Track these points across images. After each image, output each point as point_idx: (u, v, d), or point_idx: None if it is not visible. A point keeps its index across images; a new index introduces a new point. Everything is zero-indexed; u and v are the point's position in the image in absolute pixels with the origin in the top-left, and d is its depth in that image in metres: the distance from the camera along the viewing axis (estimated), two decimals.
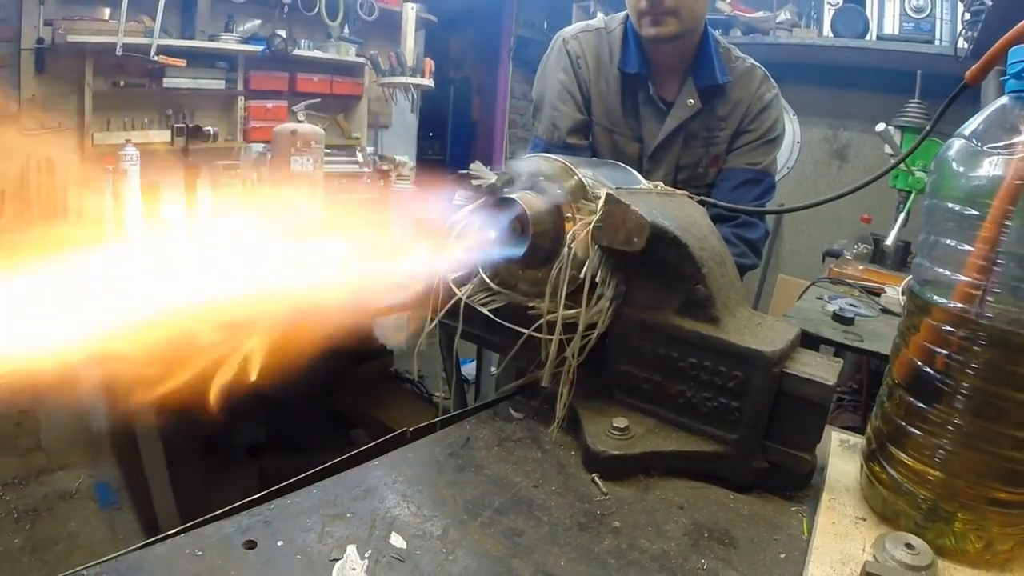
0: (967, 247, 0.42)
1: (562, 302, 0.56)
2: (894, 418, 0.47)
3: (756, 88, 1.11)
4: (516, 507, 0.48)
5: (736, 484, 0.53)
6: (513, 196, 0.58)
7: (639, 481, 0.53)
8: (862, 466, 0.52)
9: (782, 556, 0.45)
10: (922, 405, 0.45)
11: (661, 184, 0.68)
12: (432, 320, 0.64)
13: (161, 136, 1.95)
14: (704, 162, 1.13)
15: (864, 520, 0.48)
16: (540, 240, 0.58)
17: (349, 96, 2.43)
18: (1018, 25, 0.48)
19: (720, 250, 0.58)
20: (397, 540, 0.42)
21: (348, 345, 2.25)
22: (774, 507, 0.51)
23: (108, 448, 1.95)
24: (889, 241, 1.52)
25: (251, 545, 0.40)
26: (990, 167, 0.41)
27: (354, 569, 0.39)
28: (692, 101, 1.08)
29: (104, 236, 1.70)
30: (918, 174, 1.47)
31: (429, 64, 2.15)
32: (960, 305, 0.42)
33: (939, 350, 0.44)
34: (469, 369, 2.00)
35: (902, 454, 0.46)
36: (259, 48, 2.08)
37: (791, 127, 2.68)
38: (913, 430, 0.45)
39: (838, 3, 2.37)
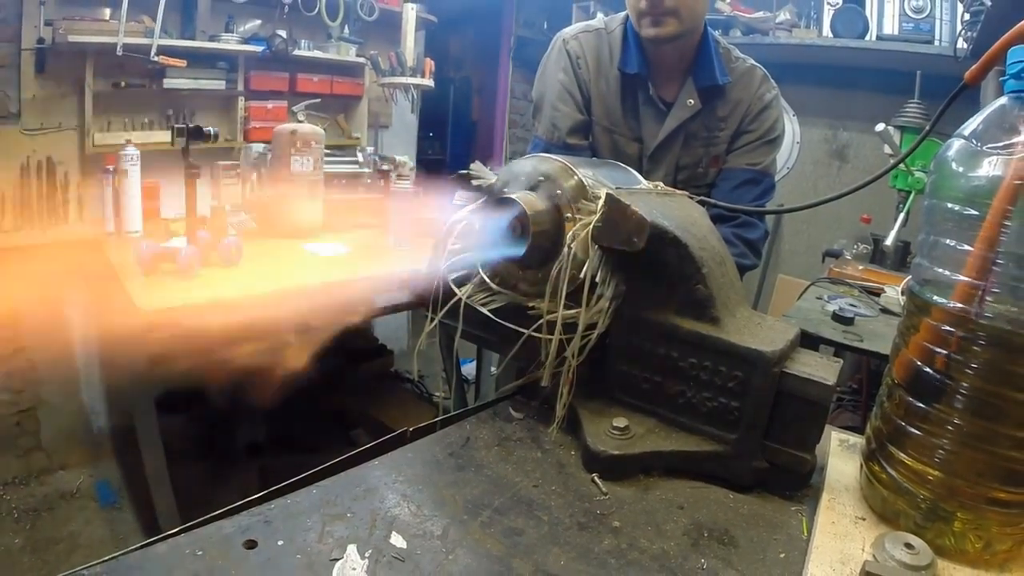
0: (967, 247, 0.42)
1: (562, 302, 0.56)
2: (894, 418, 0.47)
3: (756, 88, 1.11)
4: (516, 507, 0.48)
5: (736, 484, 0.53)
6: (513, 196, 0.58)
7: (639, 481, 0.53)
8: (862, 466, 0.52)
9: (782, 556, 0.45)
10: (922, 405, 0.45)
11: (661, 184, 0.68)
12: (432, 320, 0.64)
13: (161, 136, 1.95)
14: (704, 162, 1.13)
15: (864, 520, 0.48)
16: (540, 240, 0.58)
17: (349, 96, 2.43)
18: (1017, 25, 0.48)
19: (720, 250, 0.58)
20: (397, 540, 0.42)
21: (348, 345, 2.25)
22: (774, 507, 0.51)
23: (108, 448, 1.95)
24: (889, 241, 1.52)
25: (251, 545, 0.40)
26: (989, 167, 0.42)
27: (354, 569, 0.39)
28: (692, 101, 1.08)
29: (104, 236, 1.70)
30: (918, 174, 1.47)
31: (429, 64, 2.15)
32: (960, 305, 0.42)
33: (939, 350, 0.44)
34: (469, 369, 2.00)
35: (902, 454, 0.46)
36: (259, 48, 2.08)
37: (791, 127, 2.68)
38: (913, 430, 0.45)
39: (837, 3, 2.37)
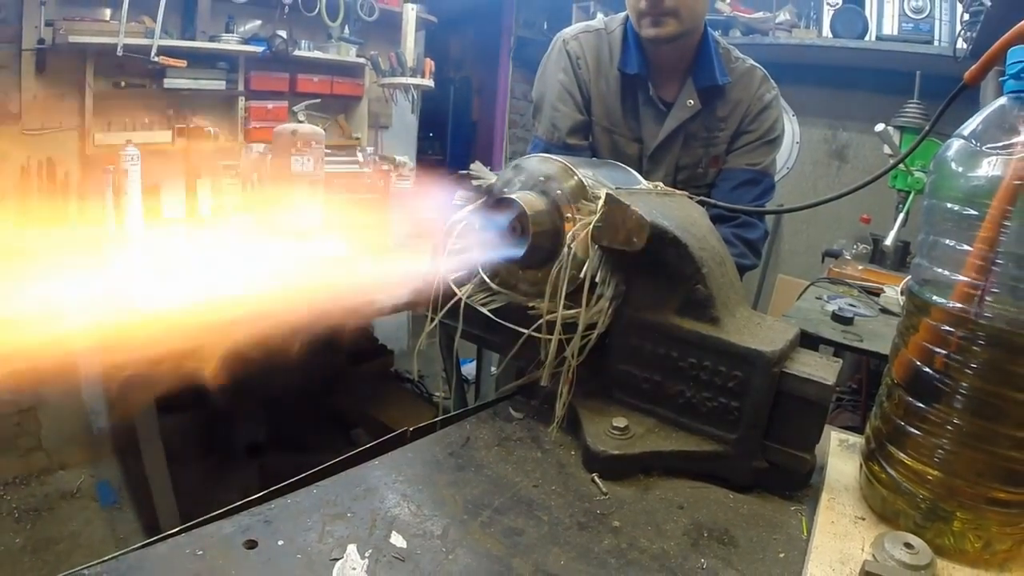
0: (966, 247, 0.42)
1: (562, 302, 0.56)
2: (893, 418, 0.47)
3: (756, 89, 1.11)
4: (516, 507, 0.48)
5: (736, 484, 0.53)
6: (513, 196, 0.58)
7: (639, 481, 0.53)
8: (861, 466, 0.52)
9: (781, 555, 0.45)
10: (921, 405, 0.45)
11: (661, 184, 0.68)
12: (432, 320, 0.64)
13: (162, 136, 1.95)
14: (704, 162, 1.13)
15: (863, 519, 0.48)
16: (540, 240, 0.58)
17: (349, 96, 2.43)
18: (1017, 26, 0.48)
19: (720, 250, 0.58)
20: (397, 539, 0.42)
21: (348, 345, 2.25)
22: (773, 507, 0.51)
23: (109, 448, 1.95)
24: (888, 241, 1.52)
25: (252, 545, 0.40)
26: (989, 167, 0.42)
27: (354, 568, 0.39)
28: (692, 102, 1.08)
29: (105, 236, 1.70)
30: (917, 174, 1.47)
31: (429, 64, 2.15)
32: (959, 305, 0.42)
33: (938, 350, 0.44)
34: (469, 369, 2.00)
35: (901, 454, 0.46)
36: (260, 49, 2.08)
37: (790, 127, 2.68)
38: (912, 430, 0.45)
39: (837, 4, 2.37)
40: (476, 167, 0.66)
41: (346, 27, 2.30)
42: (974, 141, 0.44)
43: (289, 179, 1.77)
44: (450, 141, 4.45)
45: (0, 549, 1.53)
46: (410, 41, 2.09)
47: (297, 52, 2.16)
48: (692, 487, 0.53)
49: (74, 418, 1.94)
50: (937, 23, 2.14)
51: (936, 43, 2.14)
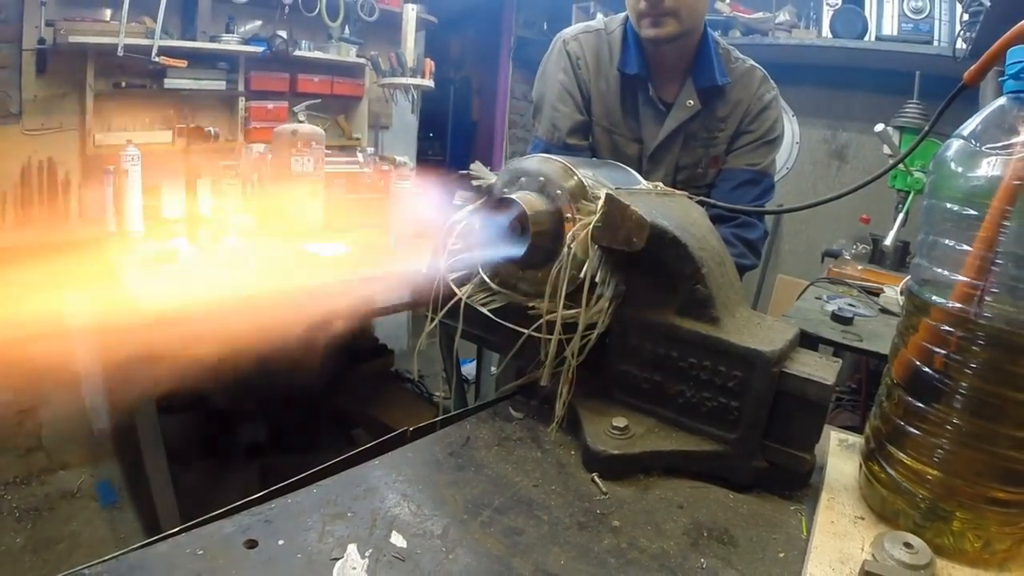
0: (965, 247, 0.42)
1: (562, 302, 0.56)
2: (893, 418, 0.47)
3: (755, 89, 1.11)
4: (516, 506, 0.48)
5: (735, 483, 0.53)
6: (513, 196, 0.58)
7: (639, 480, 0.53)
8: (861, 465, 0.52)
9: (781, 555, 0.45)
10: (921, 405, 0.45)
11: (661, 184, 0.68)
12: (432, 320, 0.64)
13: (162, 136, 1.95)
14: (703, 163, 1.13)
15: (863, 519, 0.48)
16: (540, 240, 0.58)
17: (350, 97, 2.43)
18: (1016, 26, 0.48)
19: (719, 250, 0.58)
20: (397, 539, 0.42)
21: (348, 345, 2.25)
22: (773, 506, 0.51)
23: (109, 447, 1.95)
24: (888, 241, 1.52)
25: (252, 544, 0.40)
26: (988, 167, 0.42)
27: (355, 568, 0.39)
28: (691, 102, 1.08)
29: (105, 236, 1.70)
30: (917, 174, 1.47)
31: (429, 65, 2.15)
32: (958, 305, 0.42)
33: (938, 350, 0.44)
34: (469, 369, 2.00)
35: (901, 453, 0.46)
36: (260, 49, 2.08)
37: (790, 128, 2.68)
38: (912, 430, 0.46)
39: (837, 4, 2.37)
40: (476, 167, 0.66)
41: (346, 27, 2.30)
42: (974, 141, 0.44)
43: (289, 179, 1.77)
44: (450, 141, 4.45)
45: (1, 549, 1.54)
46: (410, 41, 2.09)
47: (297, 52, 2.16)
48: (692, 487, 0.53)
49: (75, 418, 1.94)
50: (937, 23, 2.14)
51: (936, 43, 2.15)
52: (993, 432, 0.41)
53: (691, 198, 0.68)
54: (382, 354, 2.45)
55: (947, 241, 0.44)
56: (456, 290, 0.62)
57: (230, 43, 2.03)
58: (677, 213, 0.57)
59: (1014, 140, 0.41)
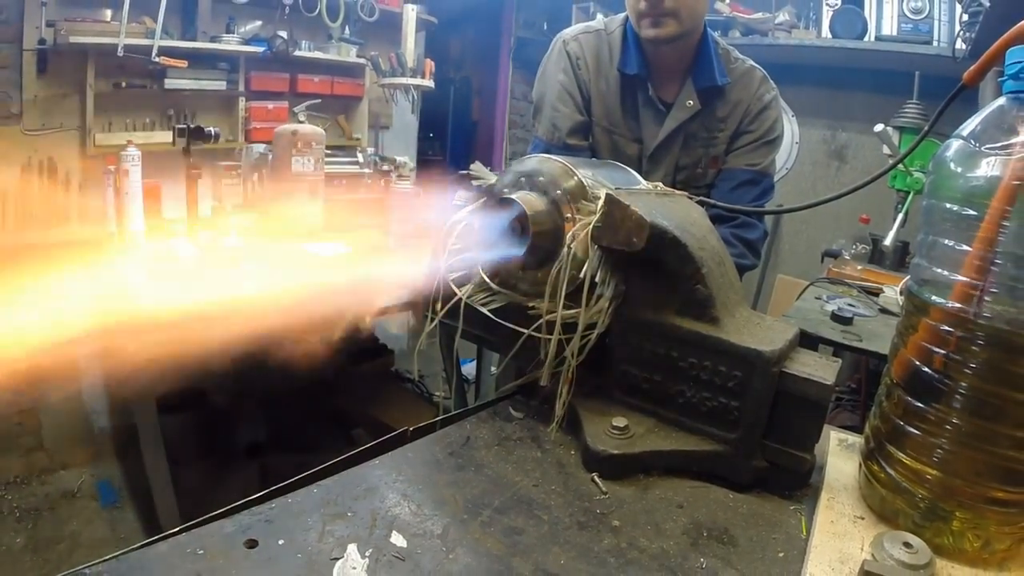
0: (965, 247, 0.42)
1: (562, 302, 0.56)
2: (892, 417, 0.48)
3: (755, 89, 1.11)
4: (516, 506, 0.48)
5: (735, 483, 0.53)
6: (513, 196, 0.58)
7: (639, 480, 0.53)
8: (860, 465, 0.52)
9: (781, 555, 0.45)
10: (920, 404, 0.45)
11: (660, 185, 0.68)
12: (432, 320, 0.64)
13: (162, 137, 1.96)
14: (703, 163, 1.13)
15: (862, 519, 0.48)
16: (540, 240, 0.58)
17: (350, 97, 2.44)
18: (1016, 26, 0.48)
19: (719, 250, 0.58)
20: (398, 539, 0.42)
21: (348, 345, 2.25)
22: (773, 506, 0.51)
23: (109, 447, 1.96)
24: (887, 241, 1.52)
25: (252, 544, 0.40)
26: (988, 168, 0.42)
27: (355, 568, 0.39)
28: (691, 102, 1.08)
29: (106, 237, 1.70)
30: (916, 174, 1.47)
31: (429, 65, 2.16)
32: (958, 305, 0.42)
33: (937, 350, 0.44)
34: (469, 369, 2.00)
35: (900, 453, 0.46)
36: (260, 49, 2.09)
37: (790, 128, 2.68)
38: (911, 429, 0.46)
39: (836, 4, 2.37)
40: (476, 167, 0.66)
41: (346, 28, 2.31)
42: (973, 141, 0.44)
43: (289, 179, 1.77)
44: (450, 141, 4.45)
45: (1, 548, 1.54)
46: (410, 41, 2.09)
47: (297, 52, 2.16)
48: (692, 487, 0.53)
49: (75, 418, 1.94)
50: (936, 23, 2.15)
51: (935, 43, 2.15)
52: (992, 432, 0.42)
53: (691, 198, 0.68)
54: (382, 354, 2.45)
55: (946, 241, 0.44)
56: (456, 290, 0.62)
57: (230, 43, 2.03)
58: (677, 213, 0.58)
59: (1013, 140, 0.41)
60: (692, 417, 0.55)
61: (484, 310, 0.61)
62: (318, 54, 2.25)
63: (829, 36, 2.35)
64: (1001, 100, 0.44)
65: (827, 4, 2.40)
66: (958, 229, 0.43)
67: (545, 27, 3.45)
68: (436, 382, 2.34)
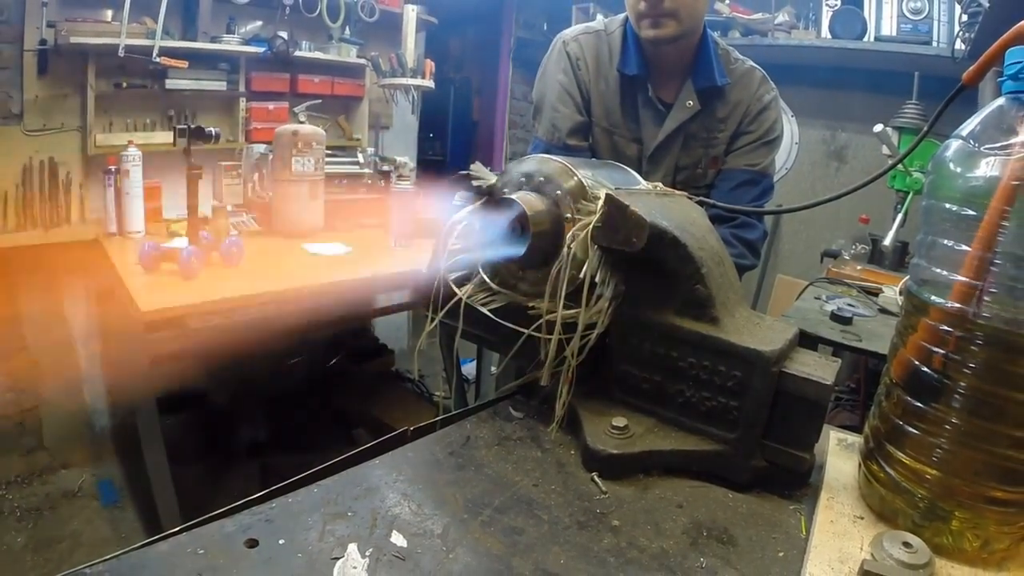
0: (964, 247, 0.42)
1: (561, 302, 0.56)
2: (892, 417, 0.48)
3: (755, 90, 1.11)
4: (516, 506, 0.48)
5: (735, 483, 0.53)
6: (513, 196, 0.58)
7: (638, 480, 0.53)
8: (860, 465, 0.52)
9: (780, 554, 0.45)
10: (920, 404, 0.45)
11: (660, 185, 0.68)
12: (432, 320, 0.64)
13: (163, 137, 1.96)
14: (703, 163, 1.13)
15: (862, 519, 0.48)
16: (540, 240, 0.58)
17: (350, 97, 2.44)
18: (1015, 26, 0.48)
19: (719, 250, 0.59)
20: (398, 538, 0.43)
21: (349, 345, 2.26)
22: (773, 506, 0.51)
23: (110, 447, 1.96)
24: (887, 241, 1.52)
25: (253, 543, 0.40)
26: (987, 168, 0.42)
27: (355, 567, 0.39)
28: (691, 103, 1.08)
29: (106, 237, 1.70)
30: (916, 175, 1.47)
31: (429, 65, 2.16)
32: (957, 305, 0.42)
33: (936, 350, 0.44)
34: (469, 369, 2.00)
35: (900, 453, 0.46)
36: (260, 50, 2.09)
37: (789, 128, 2.68)
38: (911, 429, 0.46)
39: (836, 5, 2.37)
40: (476, 167, 0.66)
41: (347, 28, 2.31)
42: (972, 142, 0.44)
43: (290, 179, 1.78)
44: (450, 141, 4.46)
45: (2, 548, 1.54)
46: (410, 42, 2.09)
47: (298, 53, 2.16)
48: (691, 486, 0.53)
49: (76, 417, 1.95)
50: (935, 24, 2.15)
51: (934, 44, 2.15)
52: (992, 431, 0.42)
53: (690, 198, 0.68)
54: (382, 354, 2.46)
55: (946, 241, 0.44)
56: (456, 290, 0.62)
57: (231, 44, 2.03)
58: (677, 213, 0.58)
59: (1013, 140, 0.41)
60: (692, 417, 0.55)
61: (484, 310, 0.61)
62: (318, 54, 2.25)
63: (829, 36, 2.35)
64: (1000, 100, 0.44)
65: (827, 4, 2.40)
66: (957, 229, 0.43)
67: (545, 27, 3.45)
68: (436, 382, 2.34)
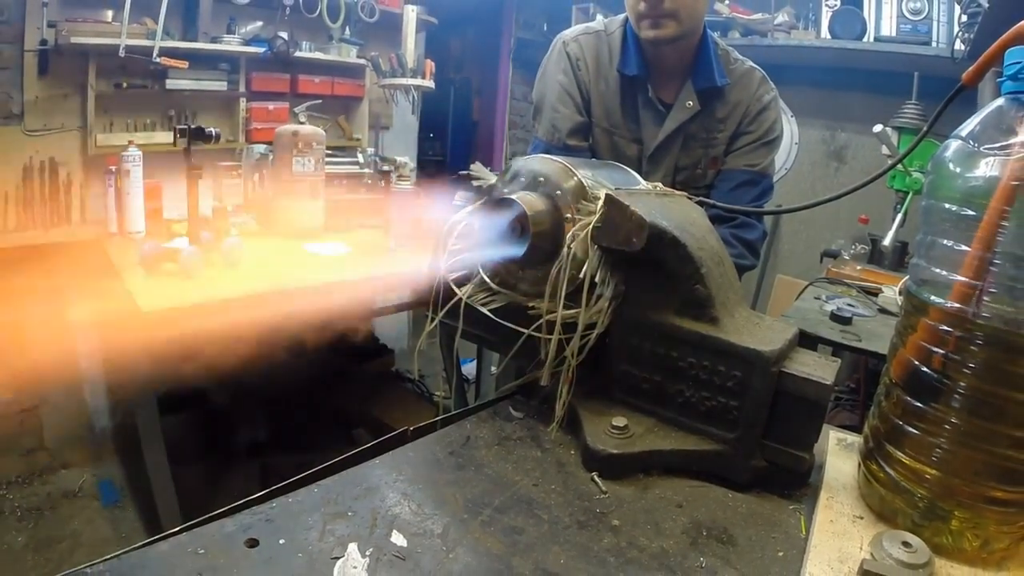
0: (964, 247, 0.42)
1: (561, 302, 0.56)
2: (891, 417, 0.48)
3: (754, 90, 1.11)
4: (516, 506, 0.48)
5: (735, 483, 0.53)
6: (513, 196, 0.58)
7: (638, 480, 0.53)
8: (860, 465, 0.52)
9: (780, 554, 0.45)
10: (919, 404, 0.45)
11: (660, 185, 0.69)
12: (432, 320, 0.64)
13: (163, 137, 1.96)
14: (703, 163, 1.13)
15: (862, 518, 0.48)
16: (540, 240, 0.58)
17: (350, 97, 2.44)
18: (1015, 27, 0.48)
19: (719, 250, 0.59)
20: (398, 538, 0.43)
21: (349, 345, 2.26)
22: (772, 506, 0.51)
23: (111, 447, 1.96)
24: (887, 241, 1.52)
25: (253, 543, 0.40)
26: (987, 168, 0.42)
27: (355, 567, 0.39)
28: (691, 103, 1.08)
29: (107, 237, 1.70)
30: (915, 175, 1.47)
31: (430, 66, 2.16)
32: (957, 305, 0.42)
33: (936, 350, 0.44)
34: (469, 369, 2.00)
35: (899, 453, 0.47)
36: (261, 50, 2.09)
37: (789, 128, 2.68)
38: (910, 429, 0.46)
39: (836, 5, 2.37)
40: (476, 167, 0.66)
41: (347, 28, 2.31)
42: (972, 142, 0.44)
43: (290, 180, 1.78)
44: (450, 142, 4.46)
45: (3, 548, 1.54)
46: (410, 42, 2.10)
47: (298, 53, 2.16)
48: (691, 486, 0.53)
49: (76, 417, 1.95)
50: (935, 24, 2.15)
51: (934, 44, 2.15)
52: (991, 431, 0.42)
53: (690, 198, 0.69)
54: (382, 354, 2.46)
55: (945, 241, 0.44)
56: (456, 290, 0.62)
57: (231, 44, 2.04)
58: (676, 213, 0.58)
59: (1012, 141, 0.41)
60: (691, 417, 0.55)
61: (484, 310, 0.61)
62: (319, 55, 2.25)
63: (828, 37, 2.35)
64: (1000, 101, 0.44)
65: (826, 5, 2.40)
66: (957, 229, 0.43)
67: (545, 28, 3.45)
68: (436, 382, 2.34)
